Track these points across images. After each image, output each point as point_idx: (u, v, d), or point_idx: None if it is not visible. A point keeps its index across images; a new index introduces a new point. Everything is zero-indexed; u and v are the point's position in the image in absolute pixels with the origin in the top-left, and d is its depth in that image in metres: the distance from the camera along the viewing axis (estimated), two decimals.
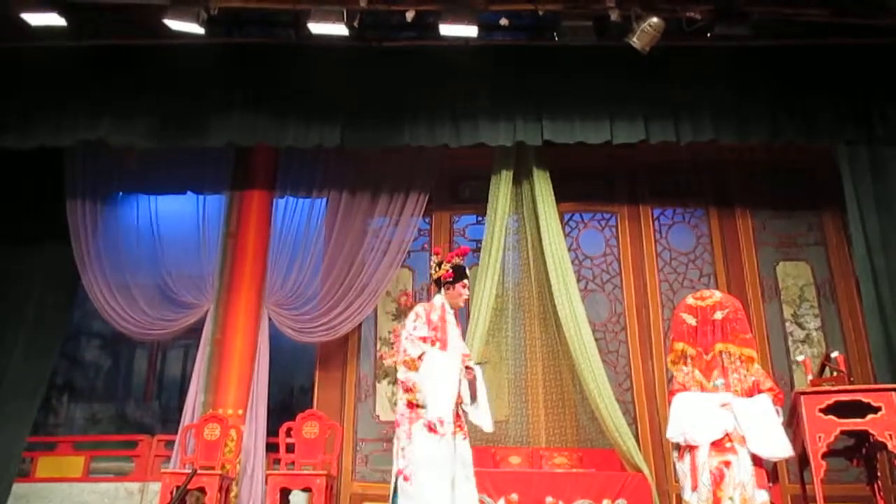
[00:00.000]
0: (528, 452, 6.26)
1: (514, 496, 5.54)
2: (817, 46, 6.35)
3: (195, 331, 6.75)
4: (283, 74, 6.46)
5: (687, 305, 4.60)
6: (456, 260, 4.65)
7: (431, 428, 4.15)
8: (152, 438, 6.93)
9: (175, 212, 7.16)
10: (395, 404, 4.49)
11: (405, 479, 4.10)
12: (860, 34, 6.21)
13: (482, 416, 4.41)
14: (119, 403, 9.12)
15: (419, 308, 4.52)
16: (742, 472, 4.04)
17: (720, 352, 4.38)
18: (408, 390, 4.24)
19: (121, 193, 7.23)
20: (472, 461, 4.31)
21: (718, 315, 4.44)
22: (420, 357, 4.26)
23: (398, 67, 6.47)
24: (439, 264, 4.64)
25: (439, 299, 4.59)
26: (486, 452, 6.26)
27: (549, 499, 5.51)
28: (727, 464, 4.08)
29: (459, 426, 4.31)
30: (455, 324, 4.55)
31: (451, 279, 4.57)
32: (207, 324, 6.67)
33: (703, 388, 4.35)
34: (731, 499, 3.99)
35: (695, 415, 4.24)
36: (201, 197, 7.16)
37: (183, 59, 6.36)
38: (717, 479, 4.04)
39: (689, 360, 4.46)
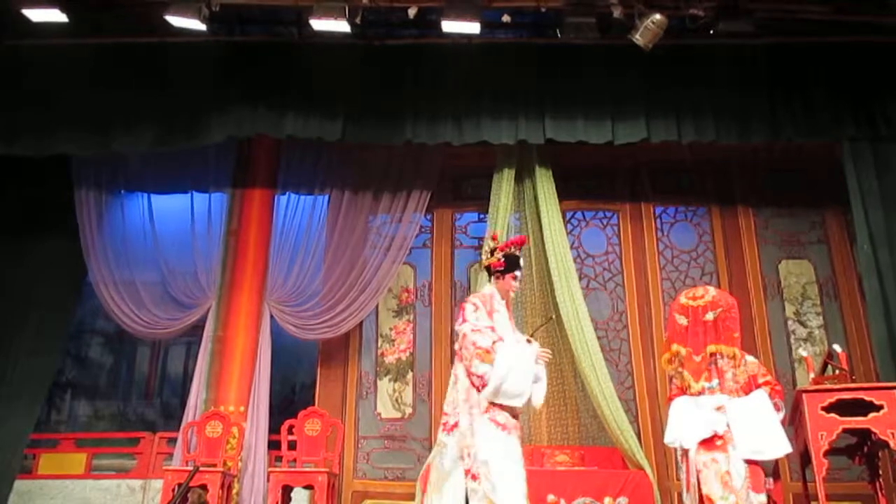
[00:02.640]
0: (529, 450, 6.21)
1: None
2: (820, 44, 6.35)
3: (197, 328, 6.77)
4: (285, 72, 6.46)
5: (680, 305, 4.49)
6: (510, 249, 4.43)
7: (497, 422, 3.93)
8: (154, 435, 6.94)
9: (177, 210, 7.16)
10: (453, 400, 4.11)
11: (474, 478, 3.86)
12: (862, 32, 6.20)
13: (539, 393, 4.25)
14: (121, 401, 9.13)
15: (474, 299, 4.30)
16: (735, 474, 3.99)
17: (712, 353, 4.29)
18: (484, 384, 3.96)
19: (124, 191, 7.23)
20: None
21: (710, 316, 4.35)
22: (492, 347, 4.02)
23: (400, 65, 6.47)
24: (492, 251, 4.42)
25: (489, 288, 4.39)
26: None
27: (550, 496, 5.50)
28: (714, 461, 4.05)
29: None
30: (506, 314, 4.33)
31: (501, 269, 4.35)
32: (209, 321, 6.67)
33: (689, 391, 4.30)
34: (723, 498, 3.95)
35: (688, 419, 4.21)
36: (203, 195, 7.16)
37: (185, 56, 6.37)
38: (703, 478, 4.01)
39: (681, 361, 4.40)
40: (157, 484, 6.13)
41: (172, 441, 6.61)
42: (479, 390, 3.99)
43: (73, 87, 6.36)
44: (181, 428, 6.33)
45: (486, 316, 4.19)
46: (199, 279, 6.79)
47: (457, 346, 4.23)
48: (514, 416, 4.06)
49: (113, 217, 7.06)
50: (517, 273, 4.42)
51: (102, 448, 7.13)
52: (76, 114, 6.31)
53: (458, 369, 4.14)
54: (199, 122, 6.35)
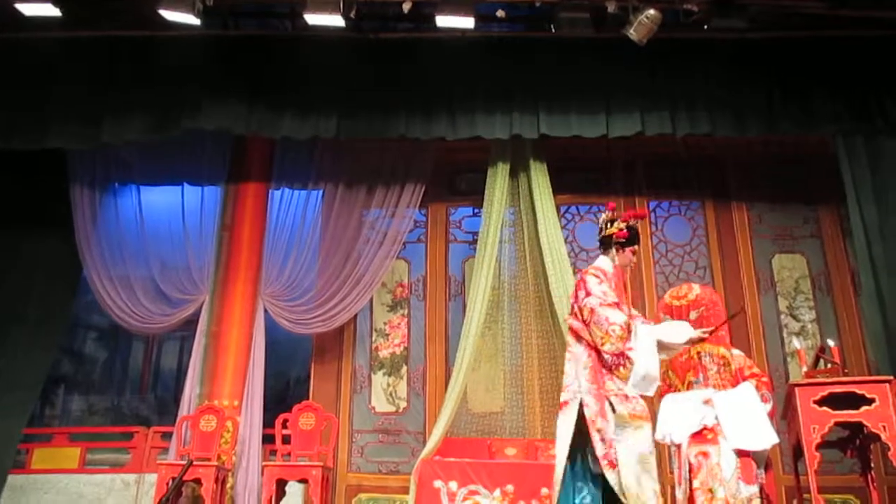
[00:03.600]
0: (523, 444, 6.28)
1: (510, 487, 5.55)
2: (815, 38, 6.36)
3: (191, 322, 6.76)
4: (279, 66, 6.45)
5: (665, 304, 4.43)
6: (632, 221, 4.27)
7: (636, 414, 3.76)
8: (148, 430, 6.92)
9: (170, 204, 7.14)
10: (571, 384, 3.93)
11: (611, 465, 3.69)
12: (858, 26, 6.21)
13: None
14: (115, 395, 9.11)
15: (596, 271, 4.05)
16: (725, 466, 3.99)
17: (698, 353, 4.29)
18: (622, 364, 3.75)
19: (118, 186, 7.22)
20: None
21: (693, 315, 4.31)
22: (629, 325, 3.82)
23: (394, 59, 6.45)
24: (611, 221, 4.20)
25: (607, 262, 4.16)
26: (481, 444, 6.29)
27: (544, 490, 5.51)
28: (705, 455, 4.04)
29: None
30: (622, 289, 4.13)
31: (623, 239, 4.15)
32: (203, 316, 6.67)
33: (676, 390, 4.30)
34: (710, 490, 3.95)
35: (678, 414, 4.21)
36: (197, 189, 7.15)
37: (178, 51, 6.34)
38: (695, 471, 4.01)
39: (668, 363, 4.38)
40: (152, 478, 6.12)
41: (166, 435, 6.62)
42: (612, 370, 3.78)
43: (66, 82, 6.34)
44: (176, 422, 6.33)
45: (610, 289, 3.96)
46: (193, 274, 6.78)
47: (572, 321, 3.98)
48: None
49: (107, 212, 7.05)
50: (636, 247, 4.27)
51: (96, 442, 7.11)
52: (69, 108, 6.29)
53: (577, 347, 3.93)
54: (191, 117, 6.32)
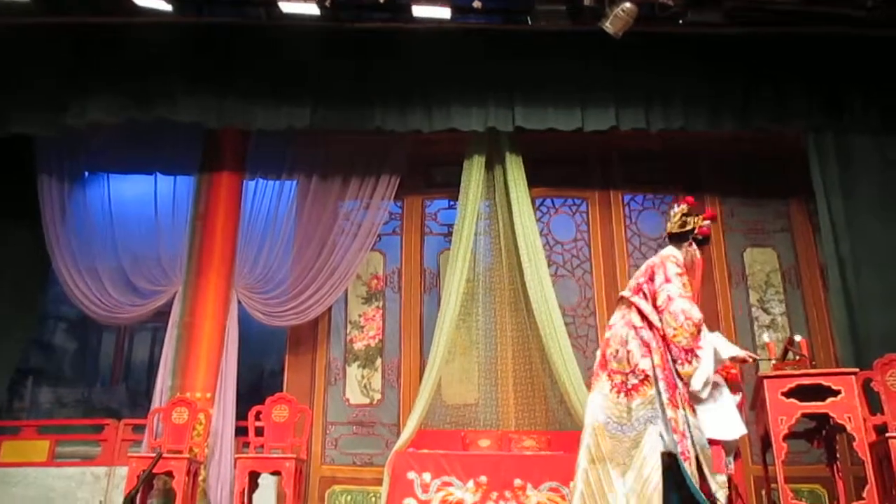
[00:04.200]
0: (497, 435, 6.30)
1: (483, 478, 5.58)
2: (789, 35, 6.40)
3: (163, 314, 6.69)
4: (253, 55, 6.37)
5: None
6: (709, 222, 4.26)
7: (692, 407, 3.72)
8: (119, 422, 6.85)
9: (141, 194, 7.06)
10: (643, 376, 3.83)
11: (685, 457, 3.62)
12: (830, 23, 6.27)
13: None
14: (85, 387, 9.00)
15: (676, 260, 3.98)
16: None
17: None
18: (688, 360, 3.71)
19: (87, 173, 7.12)
20: None
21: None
22: (702, 322, 3.76)
23: (370, 50, 6.41)
24: (690, 216, 4.20)
25: (678, 254, 4.10)
26: (455, 436, 6.30)
27: (517, 481, 5.55)
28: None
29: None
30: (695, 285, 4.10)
31: (702, 237, 4.18)
32: (175, 307, 6.60)
33: None
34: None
35: None
36: (169, 179, 7.07)
37: (151, 38, 6.24)
38: None
39: None
40: (123, 471, 6.05)
41: (138, 428, 6.55)
42: (675, 363, 3.73)
43: (33, 68, 6.22)
44: (147, 415, 6.26)
45: (688, 282, 3.91)
46: (164, 265, 6.71)
47: (640, 302, 3.89)
48: None
49: (76, 201, 6.94)
50: (705, 248, 4.30)
51: (66, 435, 7.01)
52: (34, 95, 6.18)
53: (638, 327, 3.83)
54: (164, 106, 6.23)
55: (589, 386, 6.08)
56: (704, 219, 4.31)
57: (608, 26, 5.71)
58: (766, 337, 5.90)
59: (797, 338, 4.87)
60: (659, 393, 3.70)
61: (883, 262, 5.96)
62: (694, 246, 4.28)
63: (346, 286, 6.82)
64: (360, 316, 7.08)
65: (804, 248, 7.05)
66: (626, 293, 4.01)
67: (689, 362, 3.76)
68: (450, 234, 6.83)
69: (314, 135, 6.87)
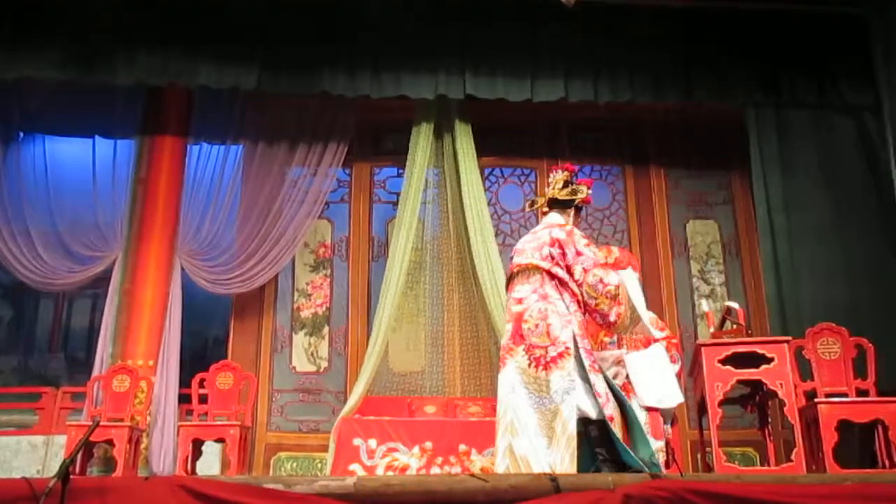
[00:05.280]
0: (443, 402, 6.37)
1: (429, 444, 5.63)
2: (731, 10, 6.46)
3: (103, 280, 6.52)
4: (197, 12, 6.17)
5: None
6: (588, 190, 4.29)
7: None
8: (57, 391, 6.68)
9: (80, 156, 6.82)
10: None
11: (611, 419, 3.75)
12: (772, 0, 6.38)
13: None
14: (22, 355, 8.72)
15: (577, 231, 4.09)
16: None
17: None
18: (618, 324, 3.91)
19: (21, 134, 6.84)
20: None
21: None
22: (619, 284, 3.91)
23: (319, 12, 6.27)
24: (571, 183, 4.24)
25: (571, 223, 4.19)
26: (401, 402, 6.35)
27: (462, 446, 5.62)
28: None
29: None
30: None
31: (585, 205, 4.41)
32: (116, 273, 6.44)
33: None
34: None
35: None
36: (109, 142, 6.83)
37: None
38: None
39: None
40: (61, 440, 5.92)
41: (77, 396, 6.40)
42: (605, 328, 4.08)
43: None
44: (87, 383, 6.13)
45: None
46: (103, 230, 6.51)
47: (557, 270, 3.91)
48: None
49: (9, 162, 6.67)
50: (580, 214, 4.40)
51: (1, 403, 6.83)
52: None
53: (555, 299, 3.89)
54: (104, 63, 6.02)
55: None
56: (590, 184, 4.38)
57: None
58: (705, 306, 6.08)
59: (734, 306, 5.01)
60: (580, 361, 3.78)
61: (816, 234, 6.16)
62: (580, 215, 4.40)
63: (293, 254, 6.75)
64: (307, 284, 7.03)
65: (744, 220, 7.23)
66: (542, 263, 3.96)
67: (618, 323, 3.92)
68: (397, 202, 6.79)
69: (260, 99, 6.72)
